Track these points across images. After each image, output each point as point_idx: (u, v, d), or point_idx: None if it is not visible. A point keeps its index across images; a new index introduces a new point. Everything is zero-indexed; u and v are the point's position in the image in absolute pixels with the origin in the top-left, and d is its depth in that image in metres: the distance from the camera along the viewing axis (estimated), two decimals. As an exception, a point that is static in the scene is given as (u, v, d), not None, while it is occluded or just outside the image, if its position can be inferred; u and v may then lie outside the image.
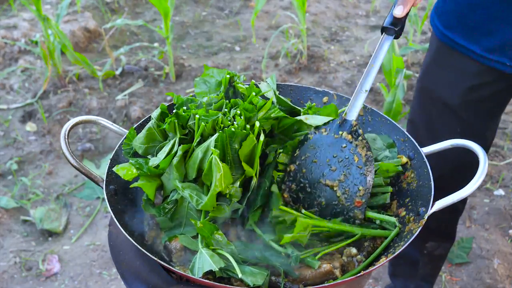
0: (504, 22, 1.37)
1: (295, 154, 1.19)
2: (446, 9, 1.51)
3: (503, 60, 1.42)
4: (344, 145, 1.16)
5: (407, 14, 1.20)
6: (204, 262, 1.00)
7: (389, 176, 1.22)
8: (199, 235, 1.06)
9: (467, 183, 1.09)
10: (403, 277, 2.08)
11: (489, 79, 1.48)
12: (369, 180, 1.13)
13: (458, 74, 1.52)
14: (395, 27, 1.19)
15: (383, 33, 1.20)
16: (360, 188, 1.12)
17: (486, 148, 1.66)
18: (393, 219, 1.13)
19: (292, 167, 1.19)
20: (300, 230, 1.03)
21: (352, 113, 1.18)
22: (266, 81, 1.36)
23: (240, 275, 0.98)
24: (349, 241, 1.11)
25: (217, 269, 0.98)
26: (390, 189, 1.20)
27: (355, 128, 1.17)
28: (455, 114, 1.56)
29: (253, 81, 1.28)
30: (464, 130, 1.58)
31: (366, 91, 1.17)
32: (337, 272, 1.06)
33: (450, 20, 1.49)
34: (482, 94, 1.52)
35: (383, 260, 1.05)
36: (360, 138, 1.16)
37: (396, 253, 1.04)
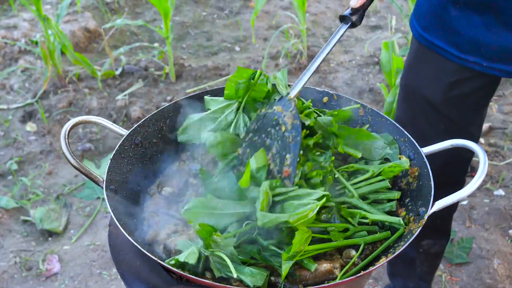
0: (476, 24, 1.38)
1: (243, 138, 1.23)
2: (423, 11, 1.52)
3: (479, 60, 1.43)
4: (275, 117, 1.17)
5: (366, 6, 1.31)
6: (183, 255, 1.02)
7: (394, 175, 1.22)
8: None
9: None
10: (401, 276, 2.09)
11: (468, 76, 1.50)
12: (294, 147, 1.12)
13: (438, 72, 1.54)
14: (352, 17, 1.30)
15: (341, 22, 1.31)
16: (287, 156, 1.11)
17: None
18: (397, 219, 1.12)
19: (239, 150, 1.21)
20: (301, 243, 1.02)
21: (293, 90, 1.24)
22: (277, 76, 1.36)
23: (235, 275, 0.98)
24: (348, 242, 1.11)
25: (192, 262, 1.00)
26: (397, 195, 1.20)
27: (289, 101, 1.19)
28: (438, 111, 1.58)
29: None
30: (448, 126, 1.59)
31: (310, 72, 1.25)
32: (337, 271, 1.06)
33: (427, 21, 1.51)
34: (463, 90, 1.53)
35: (383, 260, 1.05)
36: (290, 109, 1.17)
37: (396, 253, 1.04)
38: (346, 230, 1.12)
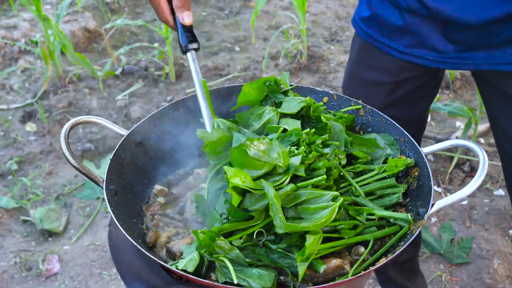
0: (420, 23, 1.39)
1: None
2: (366, 14, 1.52)
3: (425, 54, 1.43)
4: None
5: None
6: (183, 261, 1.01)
7: (398, 171, 1.22)
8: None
9: None
10: (390, 282, 2.10)
11: (412, 75, 1.50)
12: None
13: (381, 74, 1.53)
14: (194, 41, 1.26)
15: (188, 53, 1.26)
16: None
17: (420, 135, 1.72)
18: (405, 215, 1.12)
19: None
20: (312, 249, 1.01)
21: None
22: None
23: (235, 281, 0.97)
24: (359, 238, 1.10)
25: (190, 271, 0.99)
26: (402, 189, 1.20)
27: None
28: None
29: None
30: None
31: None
32: (347, 267, 1.06)
33: (371, 20, 1.51)
34: (405, 92, 1.54)
35: (383, 261, 1.05)
36: None
37: (396, 253, 1.04)
38: (355, 227, 1.12)
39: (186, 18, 1.22)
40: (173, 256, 1.11)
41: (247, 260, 1.04)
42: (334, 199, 1.04)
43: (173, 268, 1.00)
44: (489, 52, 1.36)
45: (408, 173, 1.24)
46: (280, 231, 1.00)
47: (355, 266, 1.06)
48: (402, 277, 2.02)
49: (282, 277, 1.04)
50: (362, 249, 1.11)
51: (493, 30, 1.32)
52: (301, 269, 0.99)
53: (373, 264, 1.08)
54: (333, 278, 1.05)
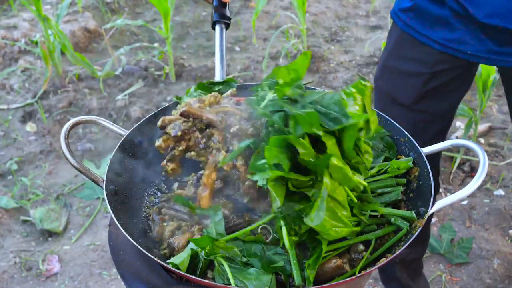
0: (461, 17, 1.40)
1: None
2: (407, 5, 1.53)
3: (463, 48, 1.44)
4: None
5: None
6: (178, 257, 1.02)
7: (400, 173, 1.23)
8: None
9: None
10: (393, 281, 2.10)
11: (448, 66, 1.51)
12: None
13: (417, 65, 1.54)
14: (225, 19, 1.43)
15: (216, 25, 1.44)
16: None
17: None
18: (408, 212, 1.12)
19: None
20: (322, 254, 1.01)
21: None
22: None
23: (233, 284, 0.97)
24: (361, 238, 1.10)
25: (182, 269, 0.99)
26: (400, 187, 1.20)
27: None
28: (410, 113, 1.59)
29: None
30: (423, 127, 1.61)
31: None
32: (347, 266, 1.06)
33: (412, 11, 1.52)
34: (440, 83, 1.54)
35: (383, 261, 1.05)
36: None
37: (396, 254, 1.04)
38: (358, 225, 1.11)
39: None
40: (172, 252, 1.11)
41: (244, 259, 1.03)
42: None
43: (169, 266, 1.00)
44: None
45: (408, 173, 1.24)
46: (312, 224, 0.95)
47: (359, 266, 1.06)
48: (407, 276, 2.02)
49: (281, 277, 1.04)
50: (361, 246, 1.11)
51: None
52: (312, 275, 0.99)
53: (373, 264, 1.08)
54: (333, 277, 1.05)
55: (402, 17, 1.54)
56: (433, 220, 2.68)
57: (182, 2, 4.95)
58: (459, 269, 2.42)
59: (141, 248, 1.02)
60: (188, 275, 0.99)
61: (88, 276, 2.44)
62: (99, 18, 4.55)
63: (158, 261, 1.01)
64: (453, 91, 1.61)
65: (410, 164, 1.22)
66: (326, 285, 1.01)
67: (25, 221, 2.73)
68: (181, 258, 1.01)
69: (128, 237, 1.04)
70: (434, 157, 1.67)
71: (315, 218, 0.93)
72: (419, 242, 1.92)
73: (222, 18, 1.47)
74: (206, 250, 1.02)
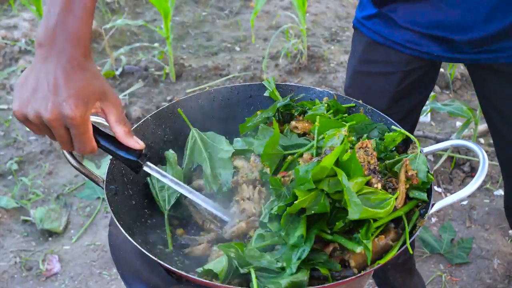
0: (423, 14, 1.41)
1: None
2: (372, 12, 1.53)
3: (429, 50, 1.46)
4: None
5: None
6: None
7: (396, 144, 1.23)
8: None
9: None
10: (387, 285, 2.10)
11: (419, 65, 1.53)
12: None
13: (389, 66, 1.55)
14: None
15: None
16: None
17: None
18: (423, 195, 1.13)
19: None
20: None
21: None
22: (264, 83, 1.39)
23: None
24: (393, 215, 1.09)
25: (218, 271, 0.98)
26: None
27: None
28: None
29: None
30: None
31: None
32: (392, 243, 1.07)
33: (377, 17, 1.52)
34: (412, 80, 1.56)
35: (383, 262, 1.05)
36: None
37: (396, 253, 1.04)
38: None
39: (139, 142, 1.11)
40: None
41: (279, 265, 0.99)
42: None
43: (173, 268, 1.00)
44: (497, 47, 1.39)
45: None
46: (355, 216, 0.97)
47: (399, 241, 1.06)
48: (401, 279, 2.02)
49: (315, 273, 1.03)
50: (392, 224, 1.11)
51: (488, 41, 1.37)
52: (369, 244, 0.99)
53: (372, 264, 1.08)
54: (381, 256, 1.04)
55: (368, 25, 1.55)
56: (433, 220, 2.68)
57: (182, 2, 4.95)
58: (459, 269, 2.42)
59: (141, 248, 1.02)
60: (188, 275, 0.99)
61: (88, 276, 2.45)
62: (99, 18, 4.55)
63: (158, 261, 1.01)
64: (423, 87, 1.63)
65: (403, 130, 1.24)
66: (326, 285, 1.01)
67: (25, 221, 2.73)
68: (220, 264, 0.98)
69: (128, 237, 1.04)
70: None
71: (355, 208, 0.97)
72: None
73: (145, 156, 1.13)
74: (239, 261, 0.99)
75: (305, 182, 0.98)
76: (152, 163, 1.19)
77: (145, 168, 1.13)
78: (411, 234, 1.08)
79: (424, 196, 1.12)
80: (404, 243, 1.06)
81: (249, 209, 1.17)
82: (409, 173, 1.13)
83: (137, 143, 1.11)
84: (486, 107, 1.58)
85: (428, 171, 1.15)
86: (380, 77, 1.58)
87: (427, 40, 1.44)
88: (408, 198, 1.14)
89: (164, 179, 1.16)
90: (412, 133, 1.71)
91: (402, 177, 1.12)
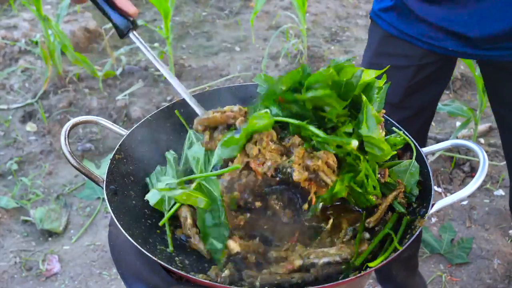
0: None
1: None
2: (388, 4, 1.53)
3: (445, 45, 1.46)
4: None
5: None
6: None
7: (397, 149, 1.23)
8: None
9: None
10: (388, 280, 2.10)
11: (433, 59, 1.53)
12: None
13: (403, 60, 1.55)
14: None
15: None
16: None
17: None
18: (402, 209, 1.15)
19: None
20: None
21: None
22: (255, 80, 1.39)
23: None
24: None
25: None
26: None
27: None
28: (397, 110, 1.60)
29: None
30: (410, 123, 1.62)
31: None
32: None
33: (393, 10, 1.53)
34: (426, 75, 1.56)
35: (383, 261, 1.05)
36: None
37: (396, 253, 1.04)
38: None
39: (133, 6, 1.18)
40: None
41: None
42: None
43: (173, 268, 1.00)
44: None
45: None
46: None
47: (362, 256, 1.06)
48: (404, 275, 2.02)
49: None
50: (367, 235, 1.11)
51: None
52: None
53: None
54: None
55: (384, 17, 1.55)
56: (433, 220, 2.68)
57: (182, 2, 4.95)
58: (459, 269, 2.42)
59: (141, 248, 1.02)
60: (188, 275, 0.99)
61: (88, 276, 2.45)
62: (99, 18, 4.55)
63: (158, 261, 1.01)
64: (437, 82, 1.63)
65: (402, 136, 1.24)
66: (326, 285, 1.01)
67: (25, 221, 2.73)
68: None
69: (128, 237, 1.04)
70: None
71: (369, 124, 1.03)
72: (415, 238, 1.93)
73: (132, 23, 1.20)
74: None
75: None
76: (152, 162, 1.20)
77: (131, 35, 1.17)
78: (411, 234, 1.08)
79: (402, 209, 1.14)
80: (409, 241, 1.06)
81: None
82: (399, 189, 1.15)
83: (131, 6, 1.14)
84: (497, 106, 1.57)
85: (418, 182, 1.17)
86: (394, 70, 1.58)
87: (442, 34, 1.44)
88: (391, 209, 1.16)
89: (147, 53, 1.22)
90: (426, 133, 1.71)
91: (389, 199, 1.13)
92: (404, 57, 1.55)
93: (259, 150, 1.06)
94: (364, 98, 1.05)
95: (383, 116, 1.33)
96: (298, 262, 1.04)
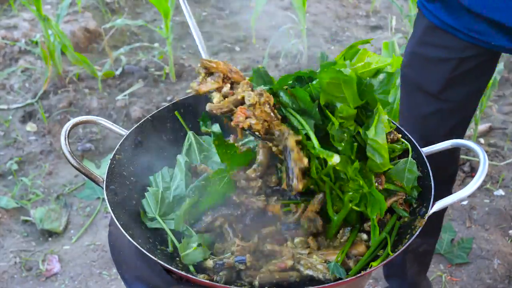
0: (490, 7, 1.40)
1: None
2: None
3: (489, 39, 1.45)
4: None
5: None
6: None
7: (396, 155, 1.23)
8: None
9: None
10: (396, 277, 2.09)
11: (476, 52, 1.52)
12: None
13: (446, 51, 1.55)
14: None
15: None
16: None
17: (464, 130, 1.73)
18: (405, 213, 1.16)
19: None
20: None
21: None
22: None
23: None
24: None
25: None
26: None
27: None
28: (435, 101, 1.58)
29: None
30: (447, 116, 1.62)
31: None
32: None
33: (438, 0, 1.52)
34: (467, 68, 1.55)
35: (381, 261, 1.05)
36: None
37: (396, 253, 1.04)
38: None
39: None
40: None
41: None
42: None
43: (173, 268, 1.00)
44: None
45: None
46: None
47: (358, 264, 1.06)
48: (416, 271, 2.02)
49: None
50: (364, 236, 1.11)
51: None
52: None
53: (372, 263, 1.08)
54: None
55: (429, 7, 1.55)
56: (433, 220, 2.68)
57: (182, 2, 4.95)
58: (459, 269, 2.42)
59: (141, 248, 1.02)
60: (188, 275, 0.99)
61: (88, 276, 2.45)
62: (99, 18, 4.55)
63: (158, 261, 1.01)
64: (478, 77, 1.62)
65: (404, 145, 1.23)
66: (326, 285, 1.01)
67: (25, 221, 2.73)
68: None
69: (128, 237, 1.04)
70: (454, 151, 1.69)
71: (378, 129, 1.06)
72: (432, 234, 1.94)
73: None
74: None
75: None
76: (152, 162, 1.20)
77: None
78: (411, 234, 1.08)
79: (405, 214, 1.15)
80: (408, 241, 1.06)
81: None
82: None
83: None
84: None
85: (416, 181, 1.17)
86: (436, 61, 1.58)
87: (486, 27, 1.43)
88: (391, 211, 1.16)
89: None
90: (464, 129, 1.70)
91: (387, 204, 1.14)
92: (446, 49, 1.55)
93: (254, 105, 1.07)
94: (379, 104, 1.08)
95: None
96: (289, 262, 1.05)
